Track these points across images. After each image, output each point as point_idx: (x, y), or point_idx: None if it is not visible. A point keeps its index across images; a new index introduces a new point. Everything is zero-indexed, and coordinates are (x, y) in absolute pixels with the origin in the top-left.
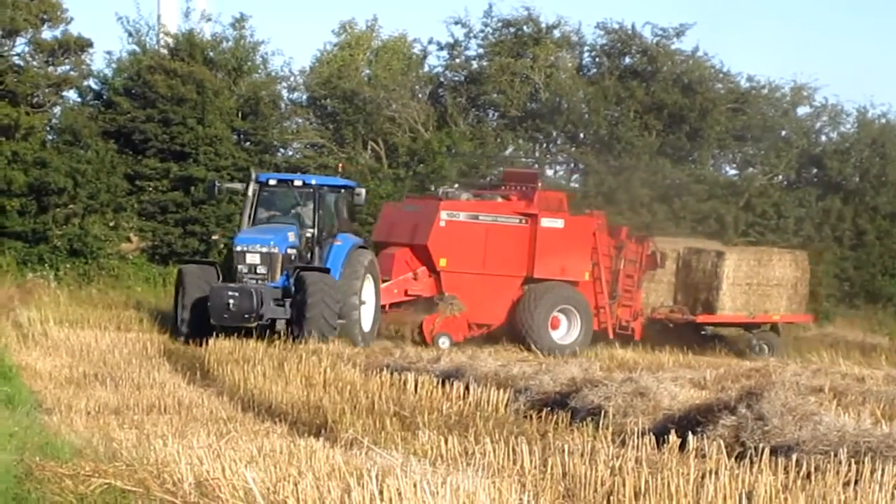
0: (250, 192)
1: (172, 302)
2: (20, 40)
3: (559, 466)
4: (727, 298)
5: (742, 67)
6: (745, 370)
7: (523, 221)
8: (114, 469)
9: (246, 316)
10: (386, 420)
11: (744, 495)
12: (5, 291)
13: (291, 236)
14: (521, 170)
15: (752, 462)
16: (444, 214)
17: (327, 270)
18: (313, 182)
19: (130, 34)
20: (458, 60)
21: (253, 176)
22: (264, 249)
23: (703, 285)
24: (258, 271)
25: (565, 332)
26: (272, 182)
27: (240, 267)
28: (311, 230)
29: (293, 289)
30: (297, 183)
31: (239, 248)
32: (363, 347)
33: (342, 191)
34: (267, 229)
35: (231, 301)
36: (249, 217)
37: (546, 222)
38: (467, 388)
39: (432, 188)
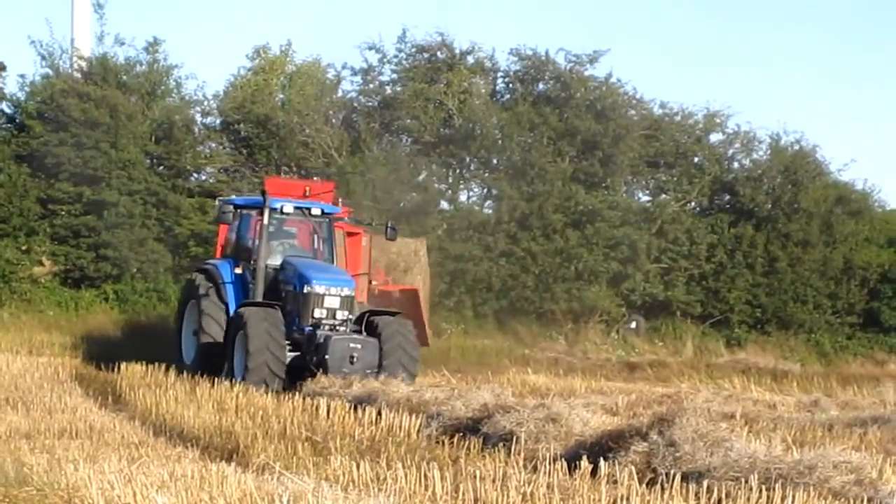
0: (265, 220)
1: (226, 345)
2: None
3: (471, 492)
4: (421, 281)
5: (655, 94)
6: (657, 396)
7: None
8: (25, 494)
9: (368, 371)
10: (298, 445)
11: None
12: None
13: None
14: (300, 181)
15: (663, 488)
16: None
17: (396, 314)
18: (328, 211)
19: (44, 57)
20: (371, 86)
21: (266, 202)
22: (345, 292)
23: (399, 264)
24: (337, 315)
25: None
26: (287, 209)
27: (316, 311)
28: (331, 264)
29: (363, 333)
30: (315, 212)
31: (319, 290)
32: None
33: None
34: (331, 268)
35: (355, 354)
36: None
37: (364, 241)
38: (379, 413)
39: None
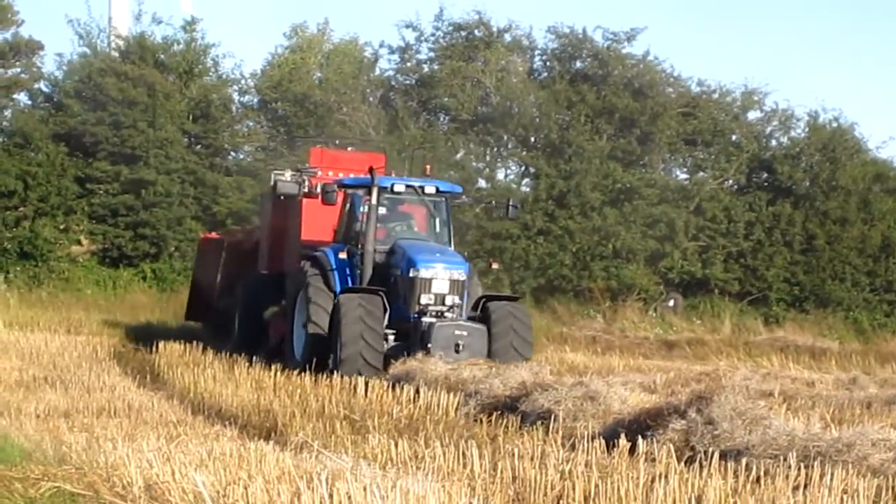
0: (374, 199)
1: (331, 335)
2: None
3: (509, 470)
4: None
5: (693, 72)
6: (695, 374)
7: None
8: (63, 472)
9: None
10: (336, 424)
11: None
12: None
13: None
14: (349, 152)
15: (701, 466)
16: None
17: (516, 299)
18: (445, 189)
19: (81, 37)
20: (409, 64)
21: (374, 181)
22: (456, 276)
23: None
24: (446, 301)
25: None
26: (397, 188)
27: (423, 297)
28: (447, 247)
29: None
30: (429, 190)
31: (426, 275)
32: None
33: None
34: (443, 250)
35: (461, 342)
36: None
37: None
38: (417, 391)
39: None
